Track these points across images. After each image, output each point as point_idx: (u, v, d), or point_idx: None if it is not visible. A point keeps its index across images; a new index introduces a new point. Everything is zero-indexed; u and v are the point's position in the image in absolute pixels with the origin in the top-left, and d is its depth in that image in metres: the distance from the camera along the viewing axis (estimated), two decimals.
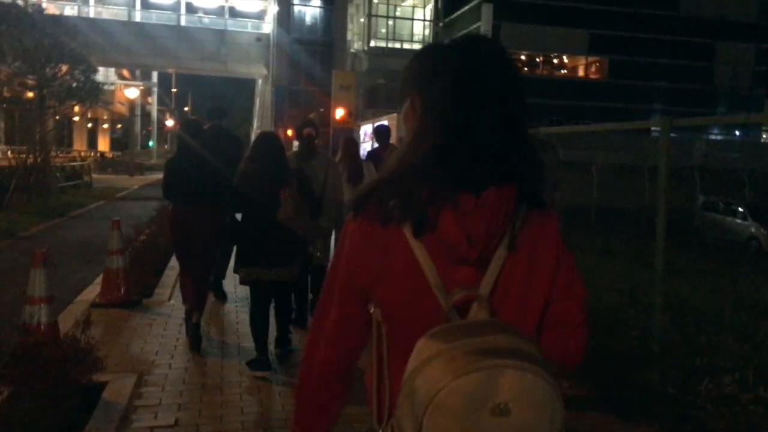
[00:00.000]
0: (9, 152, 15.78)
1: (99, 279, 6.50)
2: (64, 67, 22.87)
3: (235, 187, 4.57)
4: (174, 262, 8.03)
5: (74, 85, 22.46)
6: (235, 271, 4.58)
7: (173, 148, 9.89)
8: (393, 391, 1.14)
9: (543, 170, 1.27)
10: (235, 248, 4.76)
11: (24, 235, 11.04)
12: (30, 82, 22.35)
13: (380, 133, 7.90)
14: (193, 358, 4.73)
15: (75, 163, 24.41)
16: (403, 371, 1.05)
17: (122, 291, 6.05)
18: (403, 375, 1.04)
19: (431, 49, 1.26)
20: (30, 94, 22.70)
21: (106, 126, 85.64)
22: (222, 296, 6.60)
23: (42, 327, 4.00)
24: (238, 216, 4.87)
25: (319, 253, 5.05)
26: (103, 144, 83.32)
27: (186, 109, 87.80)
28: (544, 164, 1.31)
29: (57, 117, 36.83)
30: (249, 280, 4.48)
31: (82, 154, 37.76)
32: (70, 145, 72.88)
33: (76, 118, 76.44)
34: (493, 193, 1.11)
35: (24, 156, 15.57)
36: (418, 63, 1.24)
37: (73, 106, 23.71)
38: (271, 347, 4.71)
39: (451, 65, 1.17)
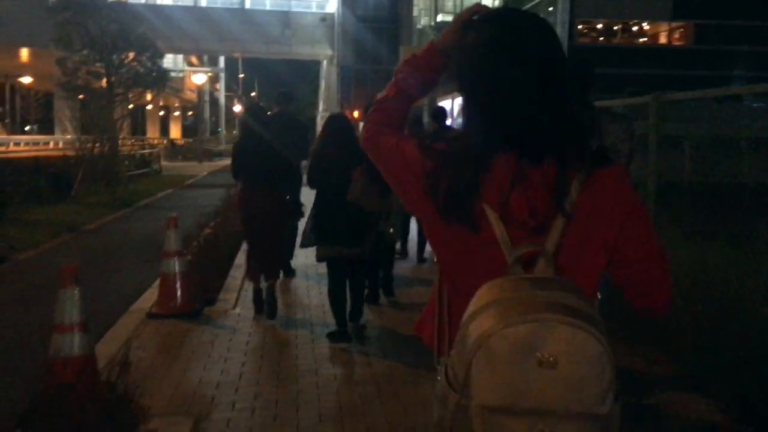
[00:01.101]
0: (77, 142, 15.32)
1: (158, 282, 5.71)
2: (131, 54, 22.65)
3: (309, 168, 4.76)
4: (240, 260, 7.25)
5: (141, 71, 22.24)
6: (304, 245, 4.97)
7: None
8: (452, 333, 1.17)
9: (599, 131, 1.28)
10: (310, 225, 4.87)
11: (88, 228, 10.52)
12: (98, 69, 22.24)
13: (437, 115, 7.27)
14: (262, 388, 3.82)
15: (144, 151, 24.23)
16: (457, 313, 1.14)
17: (180, 299, 5.22)
18: (459, 317, 1.09)
19: (474, 23, 1.28)
20: (99, 82, 22.62)
21: (177, 113, 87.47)
22: (290, 273, 6.68)
23: (73, 362, 3.14)
24: (303, 196, 5.24)
25: (391, 230, 5.11)
26: (175, 131, 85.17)
27: (253, 94, 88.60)
28: (614, 133, 1.73)
29: (130, 105, 37.27)
30: (326, 257, 4.65)
31: (152, 141, 38.08)
32: (144, 133, 74.98)
33: (149, 107, 78.64)
34: (552, 165, 1.17)
35: (91, 145, 15.18)
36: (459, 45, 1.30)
37: (141, 92, 23.57)
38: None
39: (491, 38, 1.22)
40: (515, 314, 0.99)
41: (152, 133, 77.57)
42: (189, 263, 6.11)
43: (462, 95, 1.27)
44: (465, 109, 1.26)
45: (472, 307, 1.06)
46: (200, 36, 37.75)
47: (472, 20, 1.29)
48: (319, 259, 4.71)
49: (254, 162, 5.18)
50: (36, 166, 13.78)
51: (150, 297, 5.70)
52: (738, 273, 4.72)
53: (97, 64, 21.79)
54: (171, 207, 13.99)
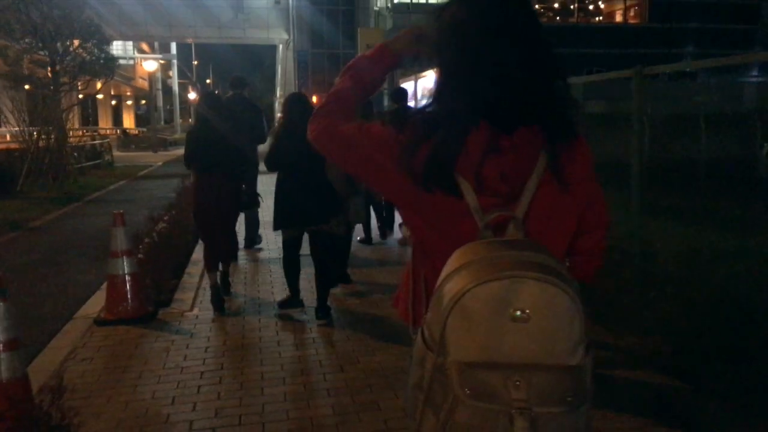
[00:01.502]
0: (19, 135, 14.44)
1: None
2: (76, 42, 21.63)
3: (271, 149, 4.74)
4: (197, 255, 6.83)
5: (87, 58, 21.25)
6: (276, 228, 4.86)
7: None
8: (426, 301, 1.26)
9: (574, 102, 1.32)
10: (275, 209, 4.80)
11: (33, 225, 9.88)
12: (41, 57, 21.18)
13: (398, 96, 7.32)
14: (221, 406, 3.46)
15: (95, 142, 23.28)
16: (430, 279, 1.23)
17: (131, 303, 4.78)
18: (432, 282, 1.15)
19: (448, 5, 1.30)
20: (44, 71, 21.57)
21: (130, 102, 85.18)
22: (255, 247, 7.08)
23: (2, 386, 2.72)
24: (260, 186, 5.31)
25: (359, 209, 5.20)
26: (128, 121, 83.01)
27: (208, 81, 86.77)
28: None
29: (81, 95, 35.82)
30: (291, 238, 4.77)
31: (104, 131, 36.82)
32: (96, 123, 72.81)
33: (100, 96, 76.13)
34: (524, 133, 1.22)
35: (35, 137, 14.36)
36: (440, 17, 1.30)
37: (89, 81, 22.58)
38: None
39: (472, 14, 1.25)
40: (487, 272, 1.03)
41: (104, 123, 75.39)
42: (140, 262, 5.67)
43: (442, 70, 1.29)
44: (445, 83, 1.28)
45: (445, 270, 1.09)
46: (149, 22, 36.50)
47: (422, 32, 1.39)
48: (285, 239, 4.81)
49: (209, 150, 5.11)
50: None
51: (98, 301, 5.24)
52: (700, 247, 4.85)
53: (41, 53, 20.78)
54: (123, 200, 13.40)
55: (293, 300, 4.95)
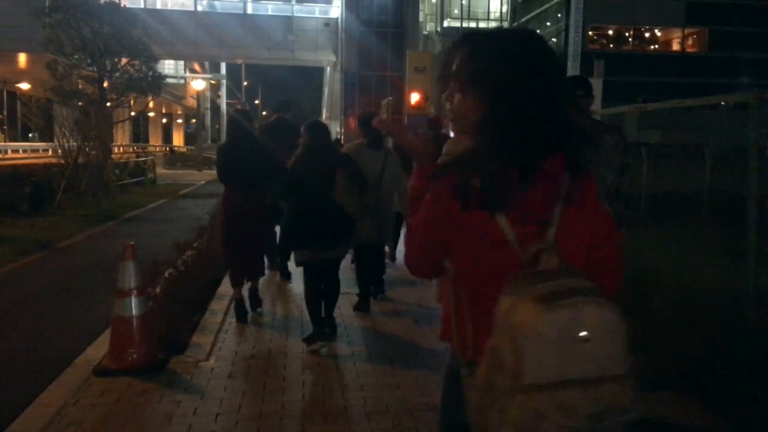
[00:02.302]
0: (59, 149, 14.21)
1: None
2: (125, 60, 21.66)
3: (292, 172, 4.67)
4: (224, 289, 6.20)
5: (135, 75, 21.24)
6: (292, 250, 4.93)
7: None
8: (476, 329, 1.40)
9: (587, 139, 1.46)
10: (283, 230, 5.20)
11: (62, 245, 9.45)
12: (90, 73, 21.25)
13: (433, 124, 7.55)
14: None
15: (138, 159, 23.19)
16: (481, 313, 1.37)
17: (137, 351, 4.13)
18: (484, 315, 1.34)
19: (481, 38, 1.46)
20: (92, 87, 21.63)
21: (180, 121, 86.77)
22: (287, 276, 6.76)
23: None
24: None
25: (368, 229, 5.10)
26: (177, 138, 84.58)
27: (257, 102, 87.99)
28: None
29: (132, 113, 36.21)
30: (305, 261, 4.66)
31: (148, 148, 37.10)
32: (146, 140, 74.41)
33: (151, 114, 77.98)
34: (550, 164, 1.38)
35: (75, 153, 14.12)
36: (470, 50, 1.44)
37: (135, 98, 22.59)
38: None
39: (510, 55, 1.39)
40: (550, 302, 1.21)
41: (154, 140, 77.06)
42: (156, 299, 5.08)
43: (483, 110, 1.40)
44: (486, 122, 1.38)
45: (506, 303, 1.26)
46: (201, 41, 36.85)
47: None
48: (299, 263, 4.73)
49: (238, 164, 5.26)
50: (15, 175, 12.72)
51: (106, 341, 4.60)
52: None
53: (89, 68, 20.85)
54: (159, 220, 12.98)
55: (319, 332, 4.68)
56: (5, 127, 48.59)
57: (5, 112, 49.39)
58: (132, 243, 4.29)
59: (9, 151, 38.69)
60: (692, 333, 3.98)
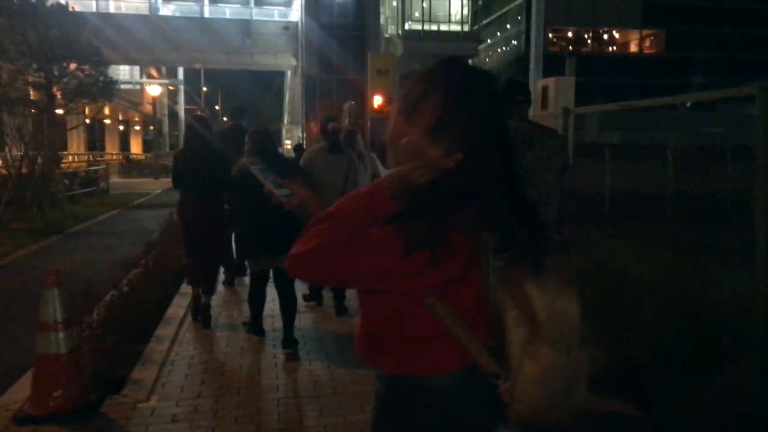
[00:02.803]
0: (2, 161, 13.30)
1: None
2: (73, 65, 20.75)
3: (236, 181, 4.51)
4: (174, 311, 5.64)
5: (84, 81, 20.34)
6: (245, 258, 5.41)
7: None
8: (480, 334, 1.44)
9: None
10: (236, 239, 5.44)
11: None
12: (37, 79, 20.28)
13: None
14: None
15: (90, 168, 22.21)
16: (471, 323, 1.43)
17: (65, 392, 3.55)
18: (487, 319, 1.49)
19: (455, 67, 1.41)
20: (39, 94, 20.65)
21: (138, 128, 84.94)
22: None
23: None
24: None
25: None
26: (136, 146, 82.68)
27: (217, 107, 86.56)
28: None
29: (87, 120, 34.82)
30: (260, 271, 4.81)
31: (100, 157, 35.91)
32: (102, 148, 72.44)
33: (107, 121, 76.01)
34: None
35: (18, 164, 13.26)
36: (446, 77, 1.37)
37: (85, 104, 21.68)
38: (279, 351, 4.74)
39: (482, 87, 1.40)
40: (570, 284, 1.42)
41: (111, 148, 75.05)
42: (92, 329, 4.49)
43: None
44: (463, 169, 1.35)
45: (530, 287, 1.40)
46: (156, 46, 35.83)
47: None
48: (253, 272, 4.91)
49: (193, 172, 5.28)
50: None
51: (28, 383, 4.01)
52: None
53: (36, 74, 19.89)
54: (108, 233, 12.23)
55: (255, 326, 4.99)
56: None
57: None
58: (56, 268, 3.70)
59: None
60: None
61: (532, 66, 22.83)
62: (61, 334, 3.59)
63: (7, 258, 9.18)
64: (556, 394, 1.36)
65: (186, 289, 6.70)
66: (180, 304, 6.10)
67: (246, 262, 6.18)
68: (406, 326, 1.42)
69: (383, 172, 8.65)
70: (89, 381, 3.85)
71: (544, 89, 6.61)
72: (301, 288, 5.92)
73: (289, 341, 4.71)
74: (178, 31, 36.31)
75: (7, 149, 14.16)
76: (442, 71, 1.38)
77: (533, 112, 7.61)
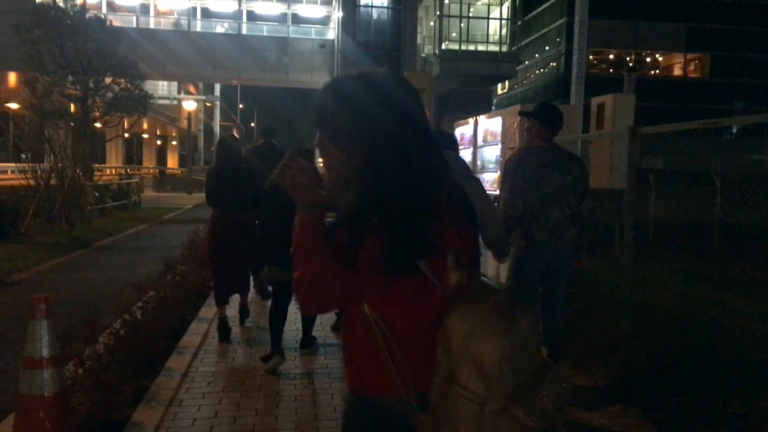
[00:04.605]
0: (28, 172, 13.06)
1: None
2: (109, 78, 20.74)
3: (265, 197, 4.75)
4: (189, 339, 5.14)
5: (119, 94, 20.30)
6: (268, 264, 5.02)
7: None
8: (416, 361, 1.38)
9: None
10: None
11: (15, 279, 8.37)
12: (73, 92, 20.31)
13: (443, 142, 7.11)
14: None
15: (122, 181, 22.12)
16: (415, 346, 1.38)
17: None
18: (420, 347, 1.38)
19: (352, 85, 1.44)
20: (75, 106, 20.68)
21: (174, 143, 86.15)
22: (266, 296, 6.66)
23: None
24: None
25: None
26: (172, 161, 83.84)
27: (252, 125, 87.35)
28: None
29: (126, 134, 35.06)
30: (276, 281, 4.84)
31: (132, 170, 36.06)
32: (140, 162, 73.55)
33: (145, 135, 77.24)
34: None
35: (46, 175, 13.05)
36: (347, 98, 1.42)
37: (120, 117, 21.64)
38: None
39: (385, 103, 1.39)
40: (497, 324, 1.27)
41: (148, 162, 76.11)
42: (92, 361, 4.00)
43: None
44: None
45: (459, 327, 1.30)
46: (193, 62, 35.96)
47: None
48: (270, 282, 5.13)
49: (225, 189, 5.50)
50: None
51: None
52: None
53: (71, 87, 19.91)
54: (133, 248, 11.89)
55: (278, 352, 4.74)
56: None
57: None
58: (46, 296, 3.21)
59: None
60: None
61: (573, 87, 22.12)
62: (46, 373, 3.09)
63: (26, 272, 8.84)
64: None
65: (205, 312, 6.25)
66: (197, 331, 5.62)
67: (256, 276, 6.56)
68: (360, 343, 1.43)
69: None
70: (82, 425, 3.36)
71: (600, 107, 6.00)
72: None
73: (308, 341, 5.19)
74: (215, 47, 36.46)
75: (41, 161, 13.96)
76: (333, 86, 1.48)
77: (584, 131, 6.97)
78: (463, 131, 9.06)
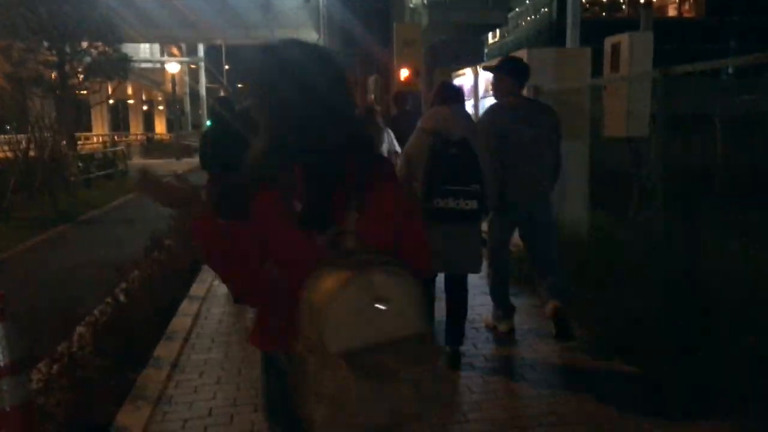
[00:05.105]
0: (3, 144, 12.42)
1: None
2: (86, 43, 19.85)
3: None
4: (177, 324, 4.71)
5: (97, 58, 19.45)
6: None
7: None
8: (290, 320, 1.39)
9: (370, 140, 1.61)
10: None
11: None
12: (50, 58, 19.45)
13: (398, 99, 7.81)
14: None
15: (107, 149, 21.42)
16: (294, 303, 1.37)
17: None
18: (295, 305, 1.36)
19: (269, 52, 1.51)
20: (51, 73, 19.82)
21: (161, 108, 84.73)
22: None
23: None
24: None
25: None
26: (160, 126, 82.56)
27: (239, 85, 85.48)
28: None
29: (111, 101, 34.11)
30: None
31: (125, 137, 35.25)
32: (127, 128, 72.45)
33: (131, 101, 75.73)
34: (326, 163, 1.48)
35: (25, 146, 12.42)
36: (262, 60, 1.51)
37: (100, 83, 20.82)
38: None
39: (288, 68, 1.47)
40: (344, 276, 1.29)
41: (135, 128, 74.88)
42: (71, 357, 3.56)
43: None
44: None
45: (308, 284, 1.33)
46: (173, 24, 34.81)
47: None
48: None
49: (220, 151, 5.28)
50: None
51: None
52: None
53: (48, 52, 19.05)
54: (120, 221, 11.39)
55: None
56: None
57: None
58: (2, 292, 2.73)
59: None
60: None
61: (568, 32, 21.41)
62: (4, 383, 2.64)
63: (6, 252, 8.35)
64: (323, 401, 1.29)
65: (197, 290, 5.81)
66: (187, 312, 5.18)
67: None
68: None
69: (398, 149, 7.78)
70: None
71: (615, 48, 5.46)
72: None
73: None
74: (195, 8, 35.32)
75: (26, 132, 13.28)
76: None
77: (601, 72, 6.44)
78: (461, 82, 8.53)
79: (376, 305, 1.27)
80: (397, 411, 1.28)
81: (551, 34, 34.76)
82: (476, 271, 3.80)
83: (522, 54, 6.61)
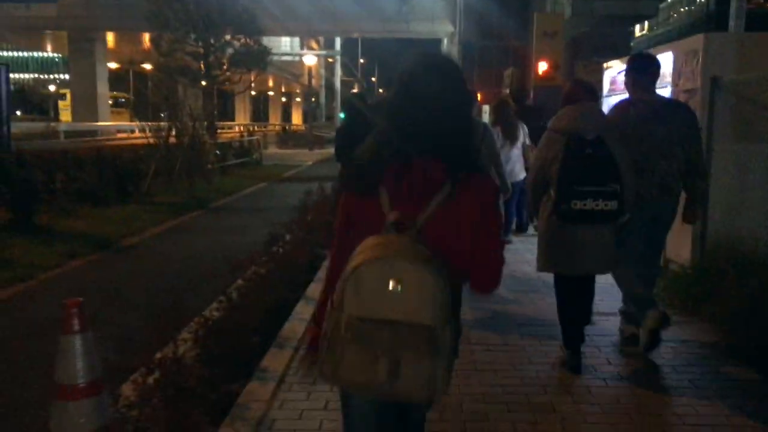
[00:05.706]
0: (148, 131, 12.91)
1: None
2: (228, 35, 20.52)
3: None
4: (289, 329, 4.32)
5: (239, 50, 20.04)
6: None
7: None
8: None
9: (469, 148, 1.70)
10: None
11: (125, 244, 8.02)
12: (196, 49, 20.29)
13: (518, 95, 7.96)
14: None
15: (244, 138, 22.07)
16: None
17: None
18: None
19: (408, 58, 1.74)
20: (197, 64, 20.68)
21: (299, 99, 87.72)
22: None
23: None
24: None
25: None
26: (296, 117, 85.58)
27: (373, 79, 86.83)
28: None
29: (253, 92, 35.51)
30: None
31: (254, 127, 36.44)
32: (266, 119, 75.59)
33: (271, 93, 78.78)
34: (418, 163, 1.62)
35: (165, 134, 12.84)
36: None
37: (241, 74, 21.47)
38: None
39: (403, 70, 1.70)
40: (373, 254, 1.46)
41: (274, 119, 78.14)
42: (175, 363, 3.22)
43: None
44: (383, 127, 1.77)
45: (354, 253, 1.51)
46: (312, 17, 35.59)
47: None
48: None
49: (353, 146, 4.24)
50: (99, 159, 11.57)
51: None
52: None
53: (193, 43, 19.86)
54: (250, 209, 11.45)
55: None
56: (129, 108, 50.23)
57: (132, 93, 51.11)
58: (79, 301, 2.37)
59: (136, 131, 39.53)
60: None
61: (731, 23, 19.26)
62: (83, 404, 2.29)
63: (136, 237, 8.49)
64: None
65: (314, 291, 5.41)
66: (302, 315, 4.77)
67: None
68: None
69: (528, 143, 7.14)
70: None
71: None
72: None
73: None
74: (333, 1, 35.85)
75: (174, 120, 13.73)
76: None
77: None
78: (613, 75, 7.65)
79: (390, 288, 1.41)
80: (371, 383, 1.45)
81: (708, 26, 31.81)
82: (611, 270, 3.81)
83: (698, 40, 5.65)
